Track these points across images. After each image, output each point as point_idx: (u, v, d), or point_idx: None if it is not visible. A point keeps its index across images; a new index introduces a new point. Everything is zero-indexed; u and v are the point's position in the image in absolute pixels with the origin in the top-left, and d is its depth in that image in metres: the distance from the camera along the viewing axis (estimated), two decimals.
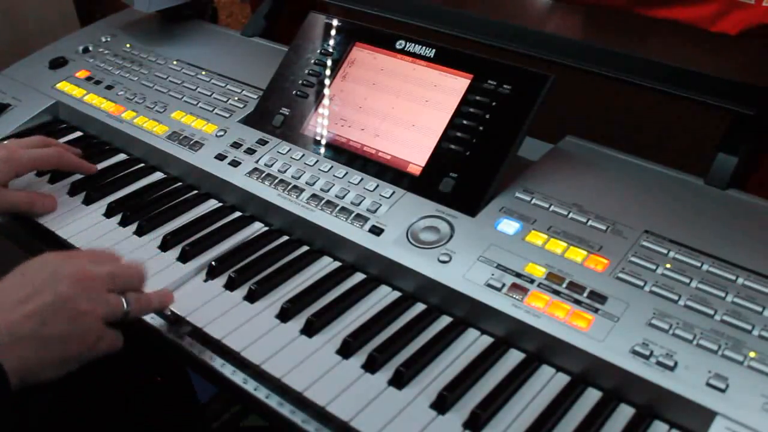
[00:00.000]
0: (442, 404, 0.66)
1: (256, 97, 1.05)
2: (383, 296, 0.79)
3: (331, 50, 1.00)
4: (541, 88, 0.84)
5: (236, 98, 1.06)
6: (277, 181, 0.91)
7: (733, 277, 0.70)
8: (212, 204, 0.95)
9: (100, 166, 1.02)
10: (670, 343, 0.66)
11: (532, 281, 0.73)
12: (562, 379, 0.69)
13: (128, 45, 1.24)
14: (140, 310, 0.74)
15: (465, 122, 0.86)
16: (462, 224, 0.81)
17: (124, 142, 1.06)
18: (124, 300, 0.72)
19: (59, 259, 0.71)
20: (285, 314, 0.76)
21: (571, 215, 0.79)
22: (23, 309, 0.65)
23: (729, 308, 0.68)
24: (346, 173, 0.90)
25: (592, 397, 0.67)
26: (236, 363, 0.72)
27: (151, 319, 0.78)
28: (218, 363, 0.73)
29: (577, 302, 0.71)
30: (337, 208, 0.85)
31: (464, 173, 0.84)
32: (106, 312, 0.69)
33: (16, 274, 0.69)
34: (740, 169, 0.83)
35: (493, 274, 0.74)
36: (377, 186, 0.87)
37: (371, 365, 0.69)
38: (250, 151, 0.96)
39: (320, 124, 0.96)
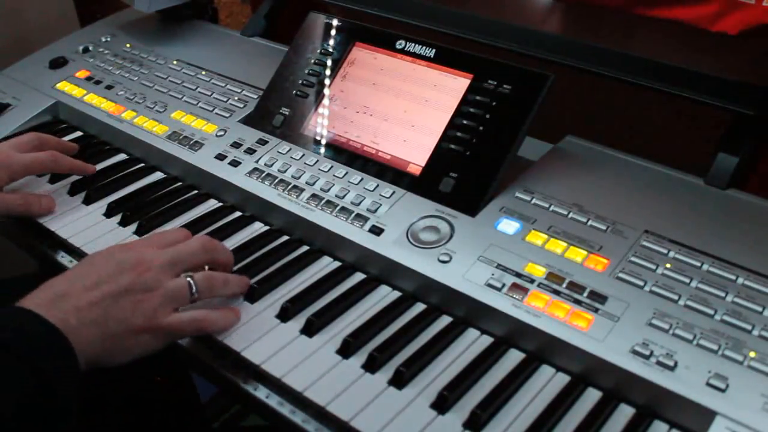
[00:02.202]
0: (442, 404, 0.65)
1: (256, 97, 1.05)
2: (383, 296, 0.79)
3: (331, 50, 1.00)
4: (541, 88, 0.84)
5: (236, 98, 1.06)
6: (277, 180, 0.91)
7: (733, 277, 0.70)
8: (212, 204, 0.95)
9: (100, 166, 1.02)
10: (670, 343, 0.66)
11: (532, 281, 0.73)
12: (562, 379, 0.69)
13: (128, 45, 1.24)
14: (210, 289, 0.74)
15: (465, 122, 0.86)
16: (462, 224, 0.81)
17: (124, 142, 1.06)
18: (191, 281, 0.72)
19: (124, 250, 0.74)
20: (285, 314, 0.76)
21: (571, 215, 0.80)
22: (89, 296, 0.68)
23: (729, 308, 0.68)
24: (346, 173, 0.90)
25: (592, 397, 0.67)
26: (236, 363, 0.72)
27: None
28: (218, 363, 0.73)
29: (577, 302, 0.71)
30: (337, 207, 0.85)
31: (464, 173, 0.84)
32: (167, 298, 0.70)
33: (84, 264, 0.72)
34: (740, 169, 0.83)
35: (493, 274, 0.74)
36: (377, 186, 0.87)
37: (371, 365, 0.69)
38: (250, 151, 0.96)
39: (320, 123, 0.96)
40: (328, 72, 0.99)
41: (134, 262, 0.71)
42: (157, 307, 0.70)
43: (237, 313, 0.75)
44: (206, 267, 0.77)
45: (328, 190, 0.88)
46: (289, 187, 0.90)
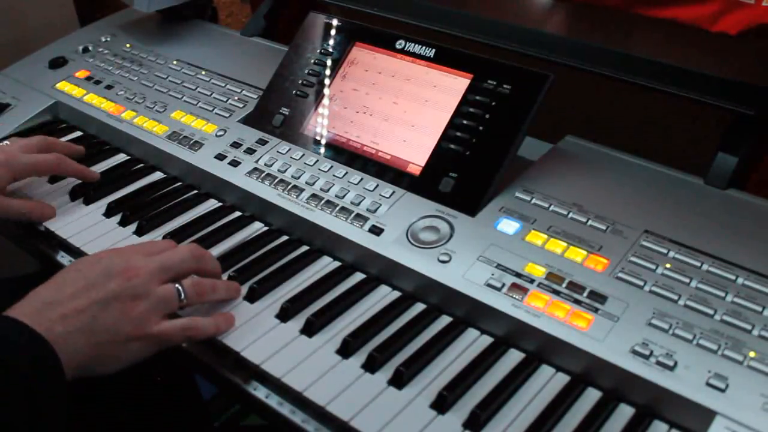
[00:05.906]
0: (442, 404, 0.65)
1: (256, 97, 1.05)
2: (383, 296, 0.79)
3: (331, 50, 1.00)
4: (540, 87, 0.84)
5: (236, 98, 1.06)
6: (276, 180, 0.91)
7: (733, 277, 0.70)
8: (212, 204, 0.95)
9: (100, 166, 1.02)
10: (669, 342, 0.66)
11: (532, 281, 0.73)
12: (562, 379, 0.69)
13: (128, 45, 1.24)
14: (199, 295, 0.73)
15: (465, 122, 0.86)
16: (462, 224, 0.81)
17: (123, 142, 1.06)
18: (179, 288, 0.72)
19: (112, 255, 0.72)
20: (285, 314, 0.76)
21: (571, 215, 0.79)
22: (76, 303, 0.67)
23: (729, 308, 0.68)
24: (346, 173, 0.90)
25: (592, 397, 0.67)
26: (236, 363, 0.72)
27: None
28: (218, 363, 0.73)
29: (577, 302, 0.71)
30: (337, 207, 0.85)
31: (464, 173, 0.84)
32: (156, 305, 0.70)
33: (71, 270, 0.71)
34: (740, 169, 0.83)
35: (492, 274, 0.74)
36: (377, 186, 0.87)
37: (371, 365, 0.69)
38: (250, 151, 0.96)
39: (320, 123, 0.96)
40: (328, 72, 0.99)
41: (122, 267, 0.70)
42: (146, 314, 0.69)
43: (229, 320, 0.74)
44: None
45: (328, 190, 0.88)
46: (289, 187, 0.90)
